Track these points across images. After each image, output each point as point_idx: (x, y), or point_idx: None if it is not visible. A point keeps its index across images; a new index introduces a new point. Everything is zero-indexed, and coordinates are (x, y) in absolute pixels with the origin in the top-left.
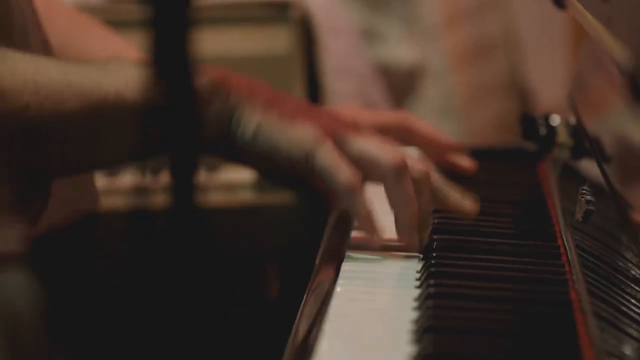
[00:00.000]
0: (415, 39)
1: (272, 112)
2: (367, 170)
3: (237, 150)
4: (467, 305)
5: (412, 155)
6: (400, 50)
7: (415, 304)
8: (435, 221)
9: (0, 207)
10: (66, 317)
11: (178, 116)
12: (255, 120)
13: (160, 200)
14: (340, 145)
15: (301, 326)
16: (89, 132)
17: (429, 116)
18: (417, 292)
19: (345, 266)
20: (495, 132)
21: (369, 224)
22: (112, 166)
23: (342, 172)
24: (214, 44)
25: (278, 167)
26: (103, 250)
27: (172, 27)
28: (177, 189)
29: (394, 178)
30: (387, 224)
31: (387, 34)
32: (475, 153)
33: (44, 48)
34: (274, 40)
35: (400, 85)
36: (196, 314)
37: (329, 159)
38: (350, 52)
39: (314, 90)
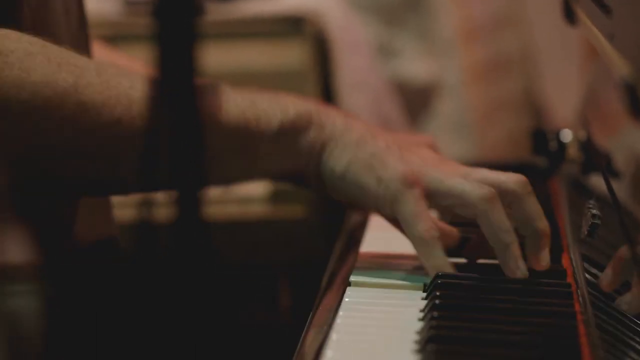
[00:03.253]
0: (431, 55)
1: (365, 149)
2: (457, 205)
3: (325, 184)
4: (471, 316)
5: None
6: (416, 66)
7: (421, 314)
8: None
9: (18, 220)
10: (72, 330)
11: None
12: (346, 157)
13: (166, 212)
14: (429, 185)
15: (308, 335)
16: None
17: (443, 132)
18: (424, 303)
19: (354, 277)
20: (508, 148)
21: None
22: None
23: (422, 223)
24: (228, 59)
25: (363, 204)
26: (114, 264)
27: (181, 41)
28: (183, 201)
29: (484, 212)
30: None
31: (403, 49)
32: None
33: None
34: (289, 55)
35: (415, 100)
36: (208, 324)
37: (413, 207)
38: (366, 68)
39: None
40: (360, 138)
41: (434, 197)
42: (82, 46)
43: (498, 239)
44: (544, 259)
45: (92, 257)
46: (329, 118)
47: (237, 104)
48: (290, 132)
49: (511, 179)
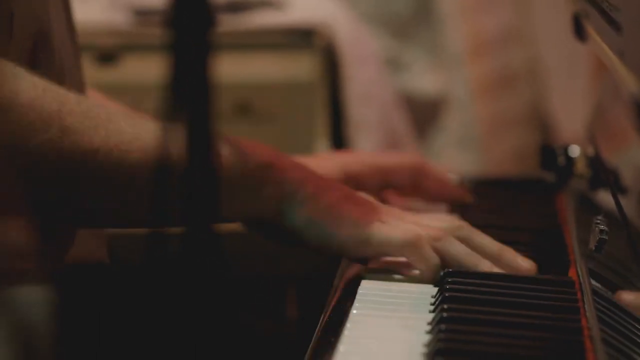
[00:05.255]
0: (439, 68)
1: (322, 202)
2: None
3: (287, 235)
4: (479, 330)
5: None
6: (424, 80)
7: (429, 327)
8: None
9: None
10: (81, 337)
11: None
12: (305, 212)
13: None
14: None
15: (315, 347)
16: (147, 188)
17: (450, 146)
18: (431, 316)
19: (362, 289)
20: (514, 163)
21: (431, 275)
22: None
23: (398, 229)
24: (238, 71)
25: (328, 252)
26: (121, 273)
27: (194, 52)
28: (194, 211)
29: (443, 249)
30: None
31: (412, 63)
32: (494, 183)
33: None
34: (298, 67)
35: (423, 114)
36: (215, 334)
37: (384, 232)
38: (375, 81)
39: (337, 118)
40: (316, 190)
41: None
42: (76, 64)
43: (468, 263)
44: (521, 265)
45: (85, 275)
46: (286, 172)
47: None
48: (249, 185)
49: (451, 226)
